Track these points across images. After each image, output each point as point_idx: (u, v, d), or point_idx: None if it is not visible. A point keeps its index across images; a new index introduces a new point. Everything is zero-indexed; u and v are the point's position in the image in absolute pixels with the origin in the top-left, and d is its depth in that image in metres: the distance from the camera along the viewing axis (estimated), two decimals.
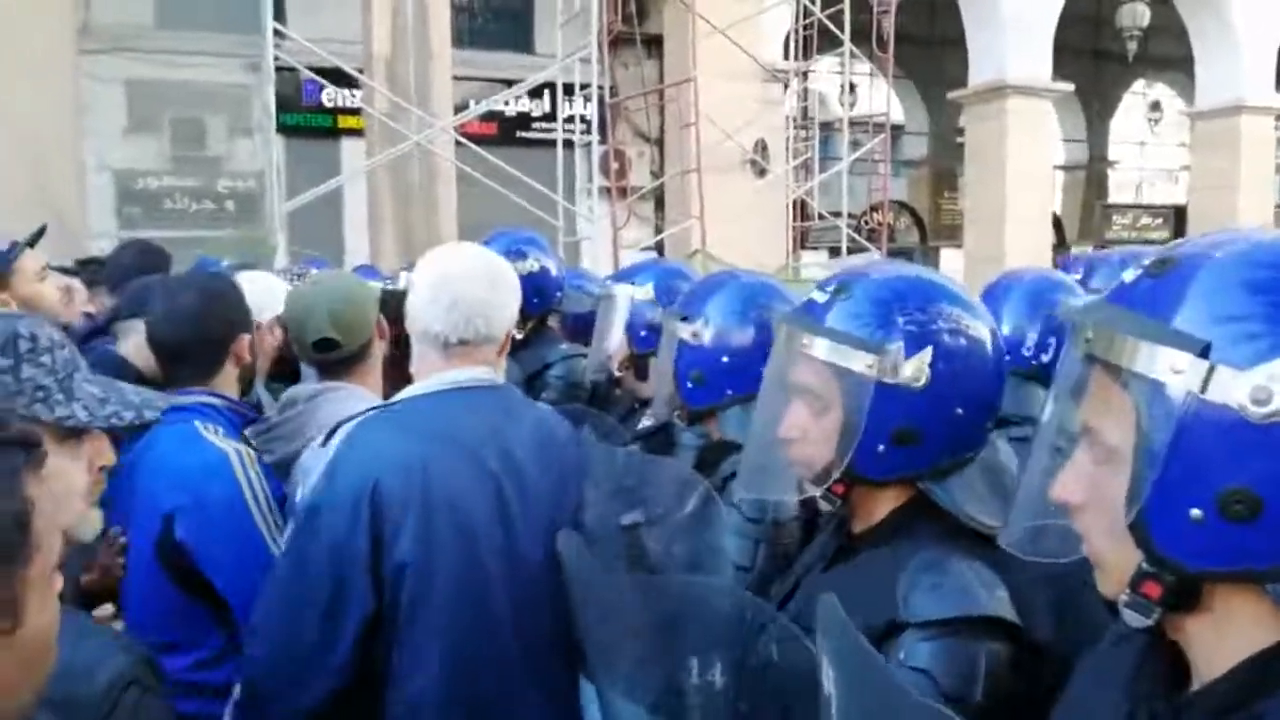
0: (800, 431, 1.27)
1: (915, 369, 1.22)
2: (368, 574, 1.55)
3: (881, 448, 1.23)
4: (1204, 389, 0.73)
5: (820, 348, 1.25)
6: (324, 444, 1.83)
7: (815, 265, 11.66)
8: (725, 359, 1.82)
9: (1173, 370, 0.75)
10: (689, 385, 1.84)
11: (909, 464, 1.25)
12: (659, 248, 11.47)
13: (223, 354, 2.02)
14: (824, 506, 1.30)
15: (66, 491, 1.04)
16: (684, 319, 1.87)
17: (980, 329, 1.28)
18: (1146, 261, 0.82)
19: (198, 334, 1.98)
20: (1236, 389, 0.72)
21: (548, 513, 1.72)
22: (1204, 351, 0.74)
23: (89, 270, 4.53)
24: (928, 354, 1.22)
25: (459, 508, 1.63)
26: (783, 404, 1.30)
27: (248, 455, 1.89)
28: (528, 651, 1.68)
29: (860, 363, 1.22)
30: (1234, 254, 0.77)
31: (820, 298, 1.30)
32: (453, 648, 1.61)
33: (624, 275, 2.54)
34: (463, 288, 1.71)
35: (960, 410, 1.24)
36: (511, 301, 1.78)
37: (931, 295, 1.27)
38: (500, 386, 1.80)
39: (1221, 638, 0.79)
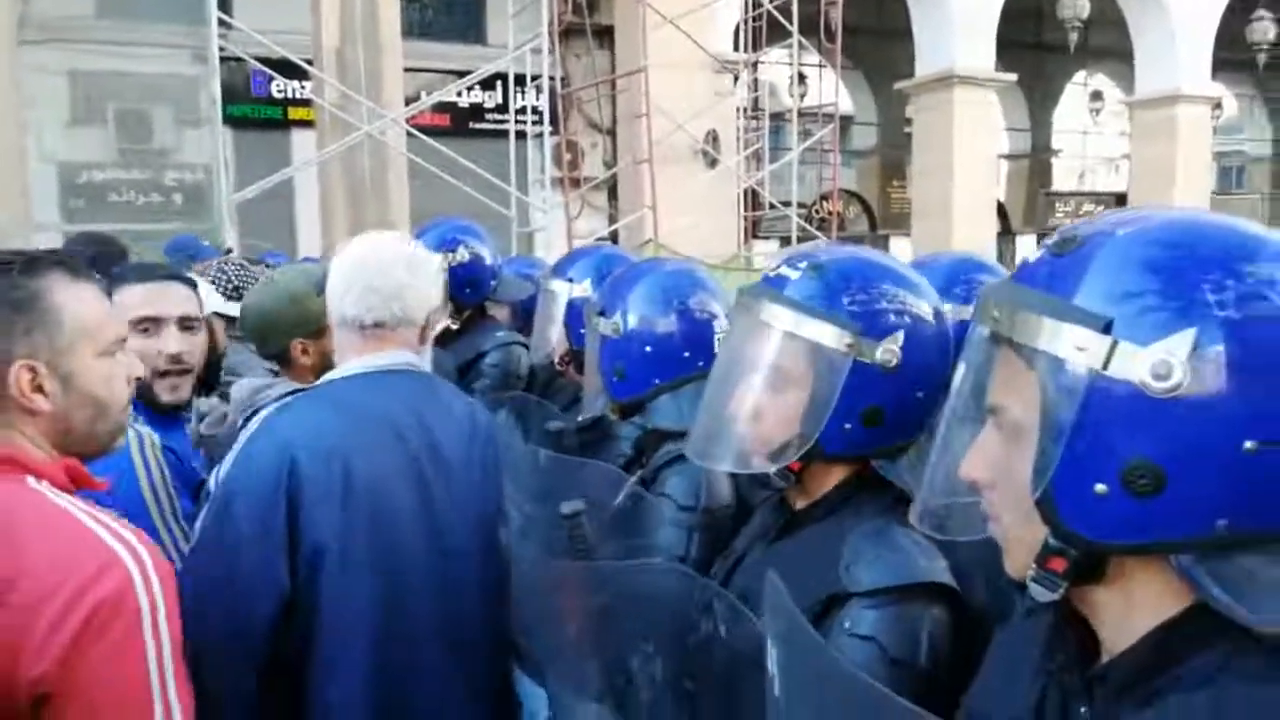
0: (761, 408, 1.28)
1: (886, 350, 1.24)
2: (282, 554, 1.55)
3: (849, 426, 1.24)
4: (1106, 365, 0.75)
5: (791, 321, 1.24)
6: (243, 426, 1.86)
7: (766, 255, 11.79)
8: (648, 349, 1.81)
9: (1076, 347, 0.76)
10: (614, 380, 1.84)
11: (872, 442, 1.27)
12: (613, 238, 11.51)
13: None
14: (777, 483, 1.32)
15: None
16: (602, 314, 1.87)
17: (937, 314, 1.32)
18: (1050, 241, 0.84)
19: None
20: (1137, 364, 0.73)
21: (474, 502, 1.74)
22: (1106, 328, 0.75)
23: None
24: (899, 336, 1.25)
25: (379, 490, 1.64)
26: (742, 377, 1.30)
27: (149, 439, 1.83)
28: (454, 646, 1.69)
29: (836, 339, 1.23)
30: (1134, 232, 0.78)
31: (790, 274, 1.29)
32: (375, 645, 1.61)
33: (561, 267, 2.52)
34: (377, 272, 1.74)
35: (920, 393, 1.27)
36: (429, 287, 1.80)
37: (897, 280, 1.30)
38: (422, 372, 1.82)
39: (1129, 610, 0.80)
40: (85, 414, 1.28)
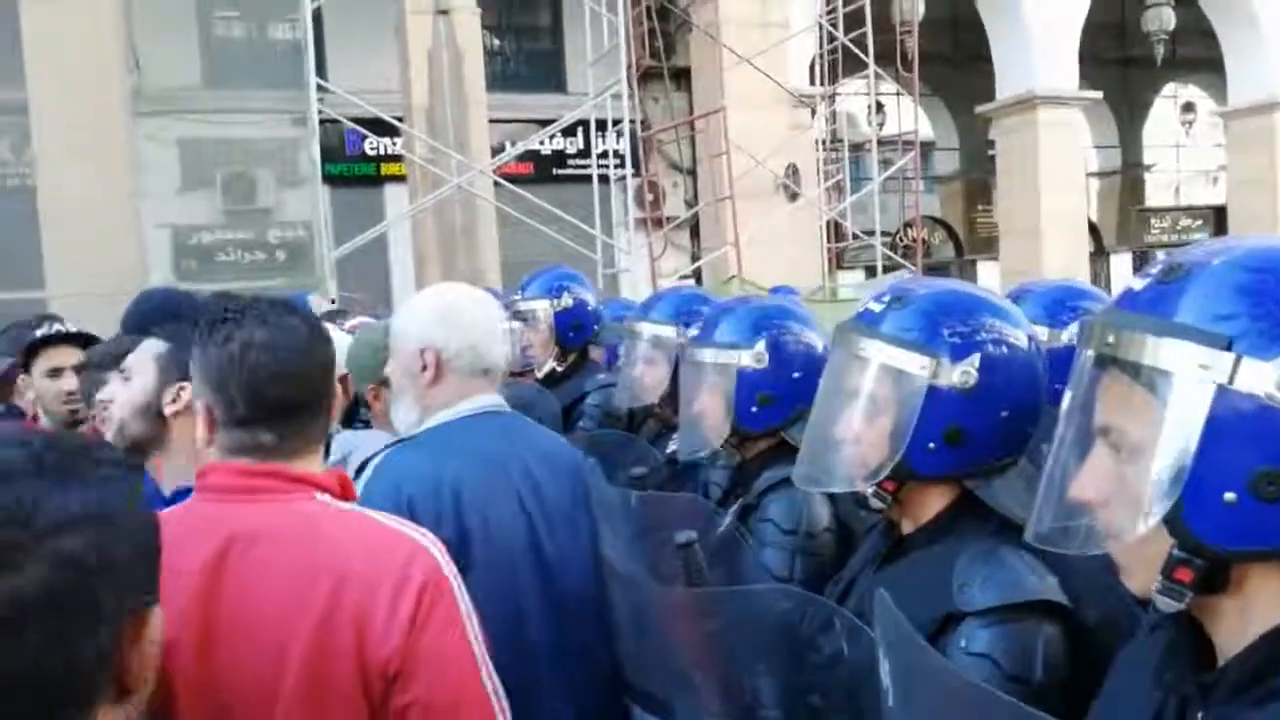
0: (856, 433, 1.37)
1: (963, 372, 1.32)
2: None
3: (932, 445, 1.33)
4: (1232, 379, 0.79)
5: (877, 351, 1.35)
6: (356, 476, 1.99)
7: (852, 286, 11.74)
8: (796, 375, 1.90)
9: (1200, 365, 0.80)
10: (754, 409, 1.91)
11: (958, 462, 1.35)
12: (696, 275, 11.62)
13: None
14: (875, 504, 1.40)
15: None
16: (734, 346, 1.94)
17: (1022, 339, 1.39)
18: (1154, 270, 0.89)
19: None
20: (1262, 378, 0.78)
21: (573, 534, 1.84)
22: (1227, 345, 0.79)
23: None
24: (975, 359, 1.33)
25: (490, 519, 1.75)
26: (836, 405, 1.41)
27: None
28: (563, 669, 1.77)
29: (914, 365, 1.33)
30: (1236, 258, 0.84)
31: (876, 308, 1.41)
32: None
33: (644, 309, 2.62)
34: (471, 322, 1.88)
35: (1005, 413, 1.34)
36: (504, 336, 1.97)
37: (978, 308, 1.39)
38: (512, 413, 1.96)
39: (1246, 616, 0.83)
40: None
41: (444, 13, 9.37)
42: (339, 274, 8.57)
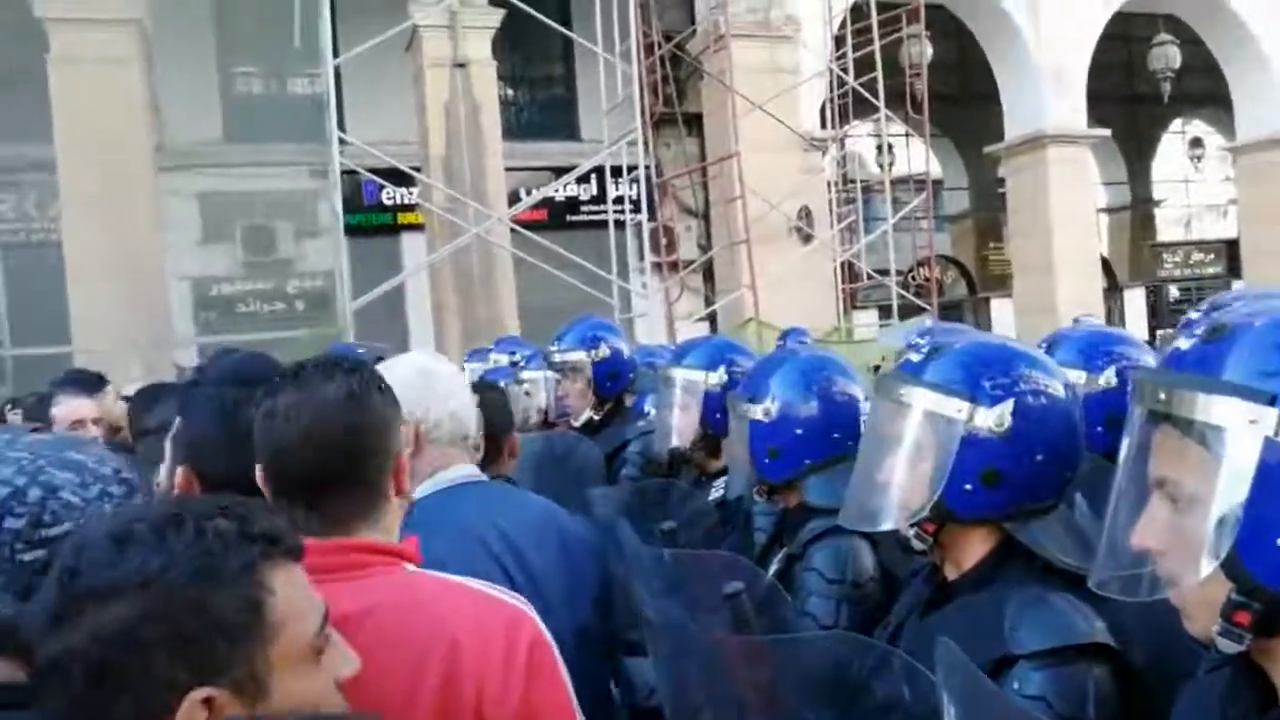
0: (898, 474, 1.43)
1: (998, 417, 1.39)
2: None
3: (969, 486, 1.39)
4: (1277, 432, 0.84)
5: (916, 396, 1.43)
6: None
7: (866, 326, 11.78)
8: (798, 431, 1.96)
9: (1249, 420, 0.85)
10: (766, 461, 1.97)
11: (995, 504, 1.40)
12: (711, 318, 11.68)
13: None
14: (917, 546, 1.45)
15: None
16: (751, 400, 2.01)
17: (1057, 387, 1.45)
18: (1198, 330, 0.95)
19: None
20: None
21: (560, 597, 1.81)
22: (1271, 401, 0.85)
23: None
24: (1010, 404, 1.40)
25: None
26: (878, 449, 1.47)
27: None
28: None
29: (951, 408, 1.40)
30: (1276, 318, 0.90)
31: (915, 358, 1.50)
32: None
33: (679, 355, 2.66)
34: (456, 389, 1.87)
35: (1040, 457, 1.40)
36: (472, 403, 1.92)
37: (1014, 358, 1.46)
38: (492, 482, 1.93)
39: None
40: (409, 495, 1.45)
41: (461, 65, 9.55)
42: (357, 323, 8.65)
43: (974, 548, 1.44)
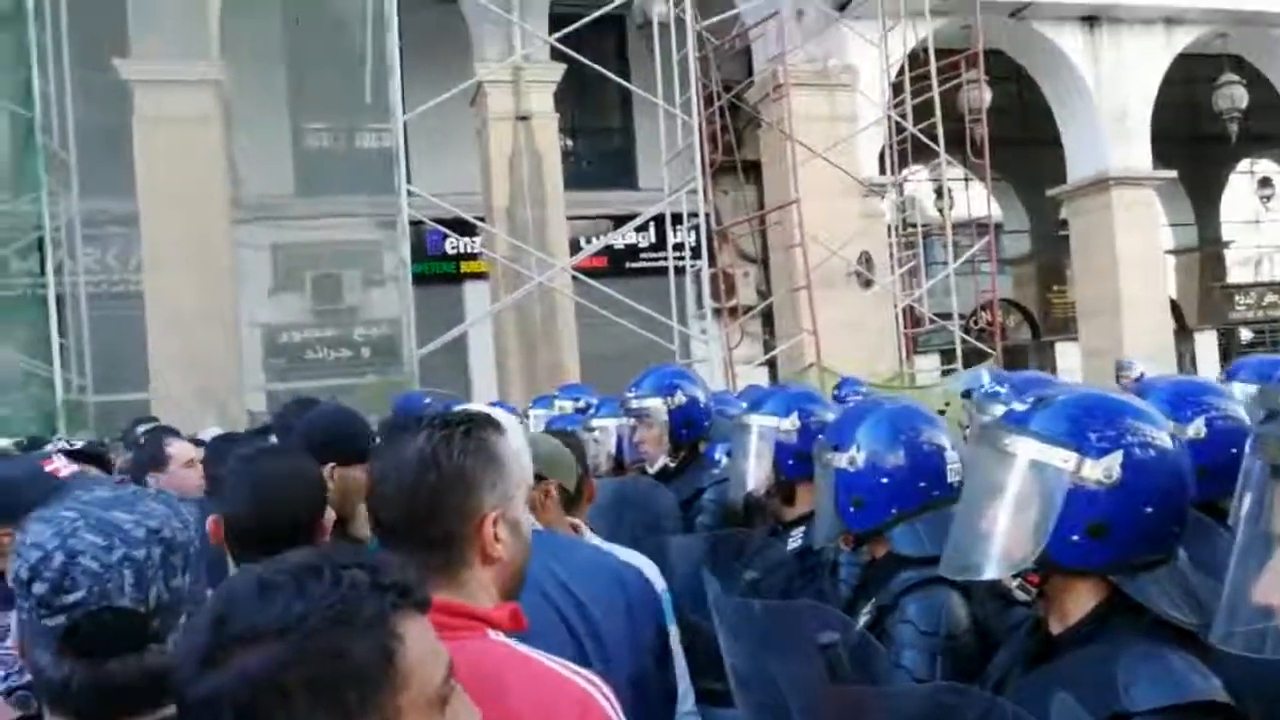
0: (1002, 524, 1.42)
1: (1106, 468, 1.38)
2: None
3: (1075, 538, 1.37)
4: None
5: (1022, 445, 1.42)
6: None
7: (928, 371, 11.66)
8: (884, 480, 1.95)
9: None
10: (851, 510, 1.96)
11: (1101, 556, 1.38)
12: (770, 364, 11.67)
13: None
14: (1020, 597, 1.43)
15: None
16: (836, 448, 2.01)
17: (1165, 440, 1.43)
18: None
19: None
20: None
21: (618, 648, 1.79)
22: None
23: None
24: (1119, 455, 1.39)
25: (543, 646, 1.74)
26: (982, 498, 1.46)
27: None
28: None
29: (1058, 458, 1.39)
30: None
31: (1020, 408, 1.49)
32: None
33: (758, 404, 2.67)
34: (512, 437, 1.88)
35: (1149, 509, 1.38)
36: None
37: (1121, 409, 1.45)
38: (551, 533, 1.91)
39: None
40: (524, 557, 1.39)
41: (524, 118, 9.78)
42: (421, 370, 8.81)
43: (1081, 601, 1.42)
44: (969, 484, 1.54)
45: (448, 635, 1.24)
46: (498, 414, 1.95)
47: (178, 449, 3.44)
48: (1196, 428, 1.97)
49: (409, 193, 8.61)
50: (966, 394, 4.90)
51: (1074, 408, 1.45)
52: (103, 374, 9.07)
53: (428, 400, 5.46)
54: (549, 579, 1.80)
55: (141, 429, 4.95)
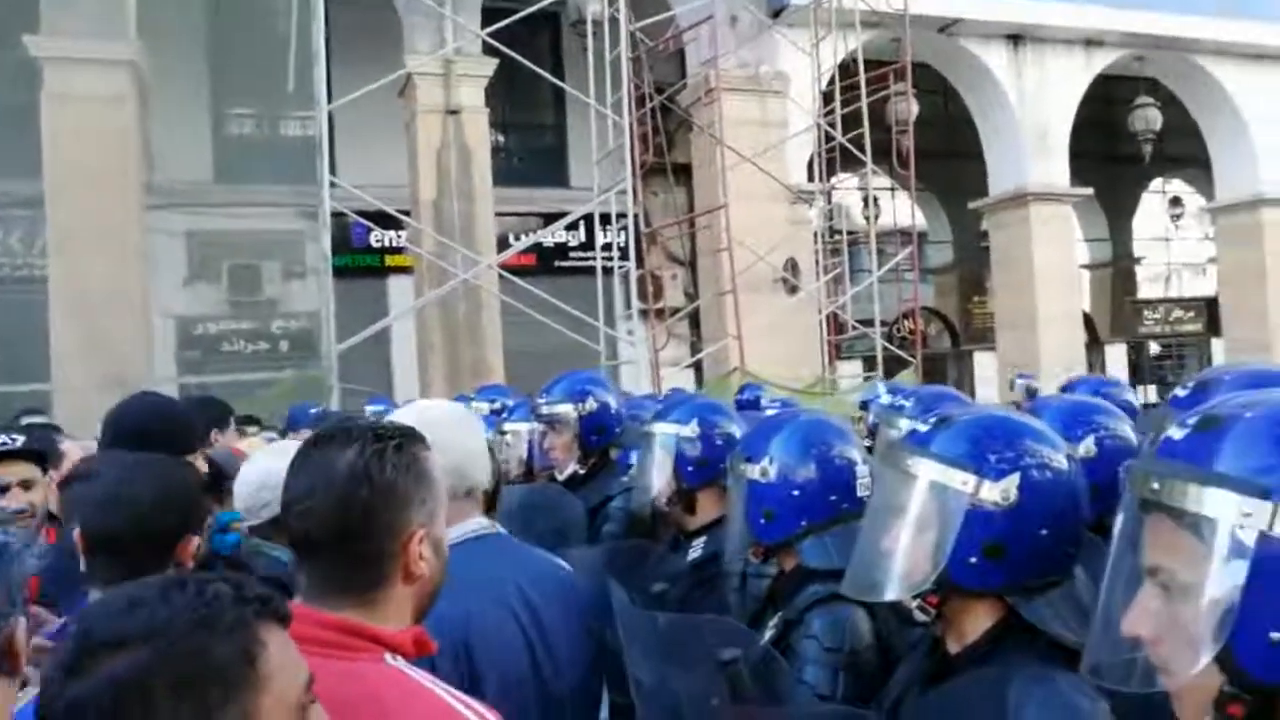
0: (901, 545, 1.42)
1: (1004, 490, 1.39)
2: None
3: (974, 559, 1.38)
4: (1271, 527, 0.84)
5: (922, 467, 1.43)
6: None
7: (850, 377, 11.83)
8: (795, 493, 1.93)
9: (1243, 513, 0.85)
10: (762, 522, 1.95)
11: (998, 577, 1.39)
12: (697, 367, 11.71)
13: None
14: (920, 618, 1.43)
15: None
16: (749, 459, 1.99)
17: (1063, 462, 1.45)
18: (1190, 420, 0.96)
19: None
20: None
21: (566, 655, 1.81)
22: (1264, 494, 0.85)
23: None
24: (1016, 478, 1.40)
25: (500, 659, 1.70)
26: (885, 519, 1.46)
27: None
28: None
29: (957, 480, 1.40)
30: (1269, 412, 0.91)
31: (921, 427, 1.50)
32: None
33: (663, 413, 2.66)
34: (460, 440, 1.82)
35: (1044, 531, 1.40)
36: (485, 452, 1.90)
37: (1020, 431, 1.46)
38: (500, 532, 1.89)
39: None
40: (442, 576, 1.36)
41: (454, 112, 9.64)
42: (341, 365, 8.62)
43: (977, 621, 1.43)
44: (872, 504, 1.54)
45: (343, 655, 1.22)
46: (462, 418, 1.90)
47: (69, 448, 3.26)
48: (1087, 446, 2.03)
49: (332, 184, 8.42)
50: (864, 405, 4.97)
51: (974, 429, 1.46)
52: (2, 362, 8.68)
53: (313, 410, 5.35)
54: (509, 584, 1.79)
55: (26, 421, 4.71)
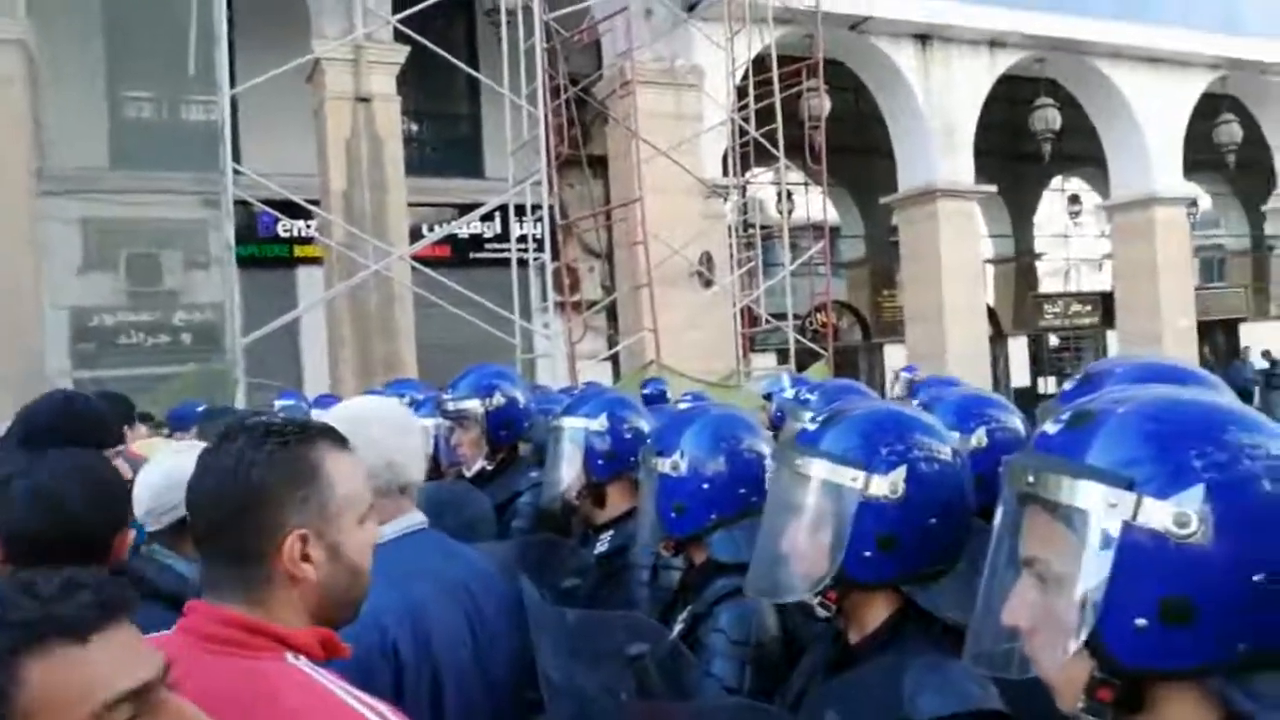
0: (799, 544, 1.45)
1: (892, 483, 1.43)
2: None
3: (868, 553, 1.41)
4: (1134, 517, 0.88)
5: (813, 467, 1.45)
6: None
7: (763, 370, 11.98)
8: (705, 486, 1.96)
9: (1109, 504, 0.89)
10: (672, 515, 1.97)
11: (893, 569, 1.43)
12: (614, 360, 11.72)
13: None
14: (820, 613, 1.46)
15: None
16: (660, 454, 2.01)
17: (947, 453, 1.50)
18: (1064, 416, 0.99)
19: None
20: (1162, 515, 0.88)
21: (502, 648, 1.83)
22: (1129, 486, 0.89)
23: None
24: (903, 470, 1.44)
25: (452, 648, 1.71)
26: (780, 519, 1.49)
27: None
28: None
29: (846, 477, 1.43)
30: (1139, 408, 0.95)
31: (811, 427, 1.52)
32: None
33: (572, 408, 2.66)
34: (390, 434, 1.84)
35: (933, 520, 1.44)
36: (421, 447, 1.91)
37: (905, 424, 1.51)
38: (435, 531, 1.90)
39: None
40: (344, 582, 1.30)
41: (364, 100, 9.44)
42: (249, 358, 8.39)
43: (876, 612, 1.47)
44: (768, 504, 1.56)
45: (244, 653, 1.20)
46: (392, 414, 1.87)
47: None
48: (978, 438, 2.11)
49: (237, 171, 8.17)
50: (767, 396, 5.05)
51: (861, 425, 1.49)
52: None
53: (200, 408, 5.22)
54: (457, 582, 1.79)
55: None
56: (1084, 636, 0.91)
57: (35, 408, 2.60)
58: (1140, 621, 0.88)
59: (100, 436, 2.53)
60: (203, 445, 2.07)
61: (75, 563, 1.53)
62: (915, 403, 2.39)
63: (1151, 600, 0.87)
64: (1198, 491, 0.88)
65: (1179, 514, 0.87)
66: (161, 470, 2.27)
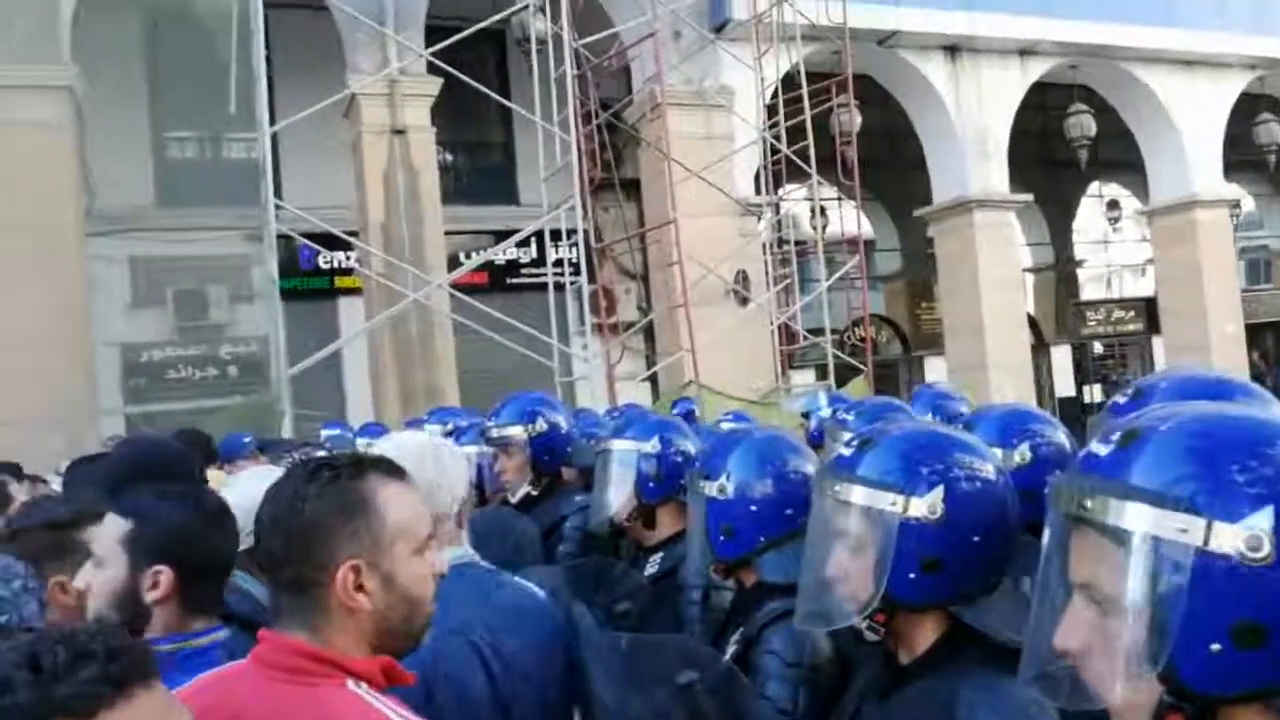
0: (843, 570, 1.46)
1: (930, 504, 1.43)
2: None
3: (913, 575, 1.42)
4: (1206, 542, 0.86)
5: (852, 493, 1.46)
6: None
7: (803, 386, 11.93)
8: (753, 509, 1.98)
9: (1178, 529, 0.87)
10: (721, 539, 1.99)
11: (939, 589, 1.43)
12: (652, 380, 11.74)
13: None
14: (870, 636, 1.47)
15: None
16: (707, 477, 2.03)
17: (988, 470, 1.49)
18: (1114, 435, 0.97)
19: None
20: (1234, 540, 0.86)
21: (531, 688, 1.82)
22: (1195, 510, 0.87)
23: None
24: (941, 491, 1.43)
25: (462, 695, 1.72)
26: (823, 547, 1.49)
27: None
28: None
29: (885, 501, 1.44)
30: (1187, 425, 0.93)
31: (845, 451, 1.53)
32: None
33: (620, 430, 2.69)
34: (428, 467, 1.84)
35: (976, 539, 1.44)
36: (457, 480, 1.91)
37: (942, 444, 1.50)
38: (478, 564, 1.91)
39: None
40: (401, 612, 1.32)
41: (399, 132, 9.60)
42: (293, 390, 8.50)
43: (925, 633, 1.47)
44: (810, 532, 1.56)
45: (303, 679, 1.25)
46: (422, 449, 1.90)
47: (17, 491, 3.20)
48: (1022, 453, 2.10)
49: (278, 206, 8.32)
50: (805, 415, 5.05)
51: (896, 447, 1.50)
52: None
53: (247, 440, 5.33)
54: (474, 620, 1.79)
55: None
56: (1160, 665, 0.89)
57: (119, 454, 2.64)
58: (1215, 647, 0.86)
59: (186, 477, 2.56)
60: (275, 470, 2.13)
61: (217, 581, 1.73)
62: (959, 423, 2.38)
63: (1225, 625, 0.86)
64: (1268, 512, 0.86)
65: (1251, 537, 0.86)
66: (234, 494, 2.33)
